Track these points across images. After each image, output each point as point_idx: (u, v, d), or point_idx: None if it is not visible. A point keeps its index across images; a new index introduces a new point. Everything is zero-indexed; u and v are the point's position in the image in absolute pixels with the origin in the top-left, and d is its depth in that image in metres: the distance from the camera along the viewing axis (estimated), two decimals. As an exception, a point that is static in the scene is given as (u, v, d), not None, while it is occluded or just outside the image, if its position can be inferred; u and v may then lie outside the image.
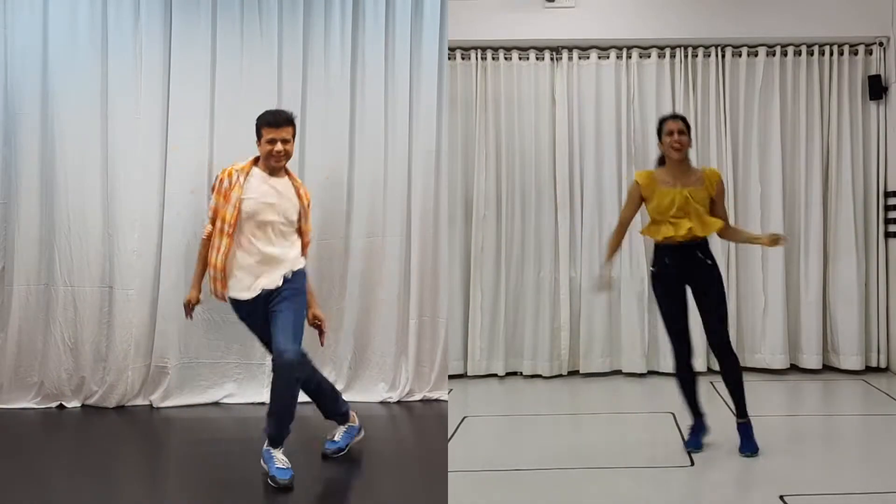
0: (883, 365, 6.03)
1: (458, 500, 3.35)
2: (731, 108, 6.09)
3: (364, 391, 5.23)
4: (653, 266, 4.01)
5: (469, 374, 6.05)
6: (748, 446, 3.90)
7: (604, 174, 6.09)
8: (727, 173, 6.02)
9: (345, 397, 5.16)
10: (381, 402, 5.19)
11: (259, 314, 3.66)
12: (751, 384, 5.69)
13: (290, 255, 3.69)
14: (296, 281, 3.67)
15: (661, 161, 4.02)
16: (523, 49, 6.15)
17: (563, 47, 6.12)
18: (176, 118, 4.94)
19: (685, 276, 3.94)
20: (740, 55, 6.10)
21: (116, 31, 4.91)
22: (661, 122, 3.98)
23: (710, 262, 3.92)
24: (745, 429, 3.95)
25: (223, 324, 4.96)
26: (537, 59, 6.15)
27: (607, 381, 5.93)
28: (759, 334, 6.04)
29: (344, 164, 5.21)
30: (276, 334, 3.53)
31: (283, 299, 3.60)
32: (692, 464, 3.84)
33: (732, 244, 6.02)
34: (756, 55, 6.08)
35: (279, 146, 3.60)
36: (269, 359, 4.91)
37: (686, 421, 4.24)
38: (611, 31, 6.06)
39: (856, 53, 6.08)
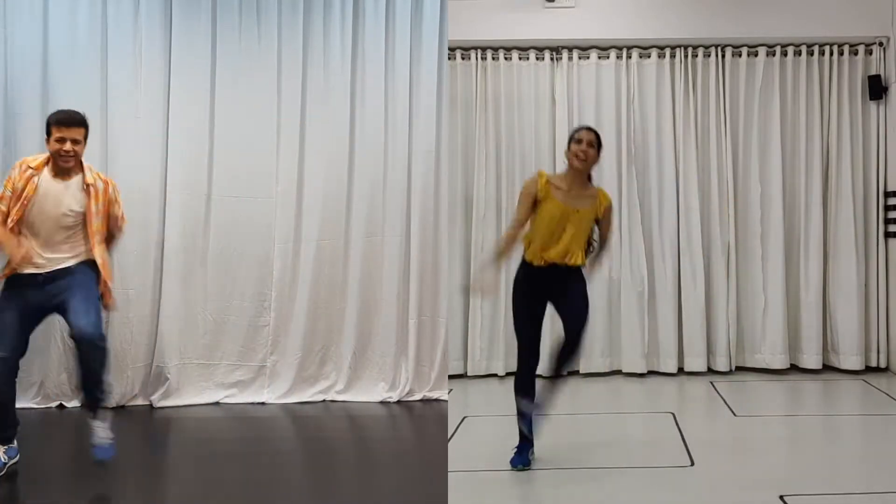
0: (883, 365, 6.02)
1: (458, 500, 3.35)
2: (731, 108, 6.09)
3: (364, 391, 5.23)
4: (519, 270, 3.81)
5: (469, 374, 6.05)
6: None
7: (603, 174, 6.05)
8: (727, 173, 6.02)
9: (345, 397, 5.21)
10: (381, 402, 5.19)
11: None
12: (751, 384, 5.76)
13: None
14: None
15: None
16: (523, 49, 6.14)
17: (563, 47, 6.12)
18: (176, 118, 4.93)
19: (546, 293, 3.74)
20: (740, 55, 6.09)
21: (116, 31, 4.91)
22: (575, 130, 3.79)
23: (575, 275, 3.72)
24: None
25: (223, 325, 4.96)
26: (537, 59, 6.15)
27: (607, 381, 5.92)
28: (759, 334, 6.04)
29: (344, 165, 5.21)
30: None
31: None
32: (692, 464, 3.84)
33: (732, 244, 6.03)
34: (756, 55, 6.08)
35: (68, 145, 3.47)
36: (270, 359, 4.95)
37: (686, 421, 4.24)
38: (611, 31, 6.06)
39: (856, 53, 6.08)
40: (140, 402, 4.95)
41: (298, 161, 5.13)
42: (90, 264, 3.60)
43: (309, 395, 5.15)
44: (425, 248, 5.33)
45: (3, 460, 3.59)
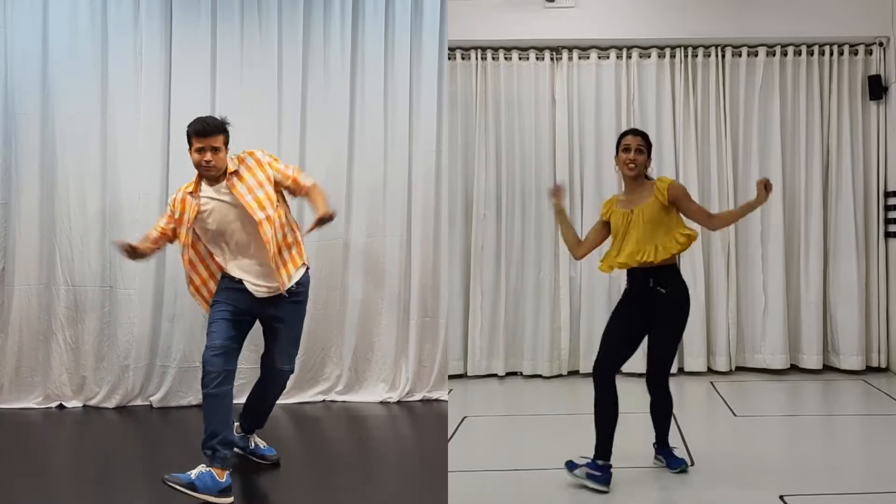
0: (883, 365, 6.03)
1: (458, 500, 3.35)
2: (731, 108, 6.09)
3: (364, 391, 5.24)
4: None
5: (469, 374, 6.05)
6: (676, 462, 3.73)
7: (604, 174, 6.08)
8: (727, 173, 6.03)
9: (345, 397, 5.22)
10: (382, 402, 5.20)
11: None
12: (751, 384, 5.76)
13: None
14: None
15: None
16: (523, 49, 6.15)
17: (563, 47, 6.12)
18: (176, 118, 4.94)
19: (637, 307, 3.60)
20: (740, 55, 6.10)
21: (116, 31, 4.91)
22: (621, 136, 3.69)
23: (664, 290, 3.55)
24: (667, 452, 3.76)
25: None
26: (537, 59, 6.15)
27: (607, 381, 5.92)
28: (759, 334, 6.04)
29: (344, 165, 5.21)
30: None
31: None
32: (692, 464, 3.84)
33: (732, 243, 6.03)
34: (756, 55, 6.08)
35: (208, 155, 3.44)
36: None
37: (686, 421, 4.24)
38: (611, 31, 6.06)
39: (856, 53, 6.08)
40: (140, 402, 4.95)
41: (298, 161, 5.12)
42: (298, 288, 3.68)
43: (309, 395, 5.15)
44: (426, 248, 5.33)
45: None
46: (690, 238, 3.60)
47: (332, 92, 5.19)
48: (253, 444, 3.91)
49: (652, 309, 3.56)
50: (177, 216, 3.59)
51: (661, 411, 3.73)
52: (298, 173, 3.70)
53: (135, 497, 3.60)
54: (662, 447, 3.79)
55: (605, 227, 3.75)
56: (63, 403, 4.88)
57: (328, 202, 3.68)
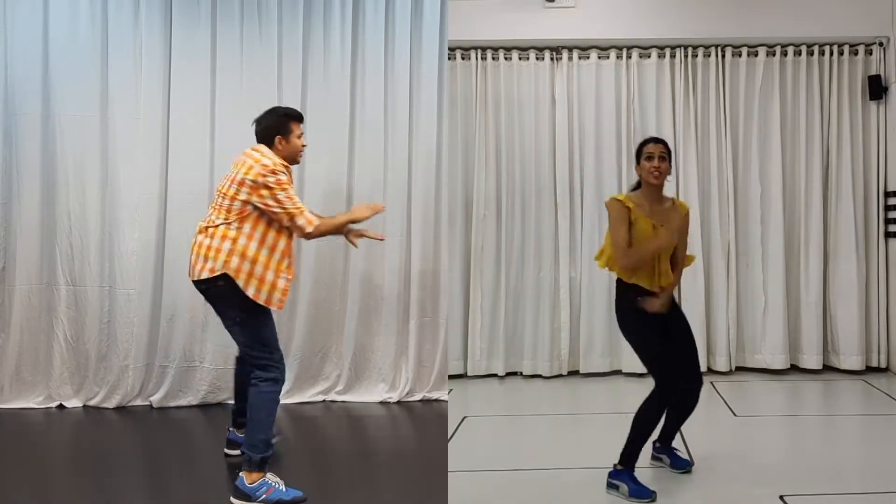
0: (883, 365, 6.03)
1: (458, 500, 3.35)
2: (731, 108, 6.09)
3: (364, 391, 5.24)
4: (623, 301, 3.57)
5: (469, 374, 6.05)
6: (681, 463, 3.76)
7: (604, 174, 6.08)
8: (727, 173, 6.03)
9: (345, 397, 5.23)
10: (381, 402, 5.20)
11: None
12: (751, 384, 5.76)
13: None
14: None
15: (637, 185, 3.68)
16: (523, 49, 6.15)
17: (563, 47, 6.12)
18: (176, 118, 4.94)
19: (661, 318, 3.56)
20: (740, 55, 6.10)
21: (116, 31, 4.91)
22: (642, 144, 3.64)
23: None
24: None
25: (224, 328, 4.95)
26: (537, 59, 6.15)
27: (607, 381, 5.93)
28: (759, 334, 6.04)
29: (344, 165, 5.21)
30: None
31: None
32: (692, 464, 3.84)
33: (732, 243, 6.03)
34: (756, 55, 6.08)
35: (304, 139, 3.60)
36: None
37: (688, 420, 4.21)
38: (611, 31, 6.06)
39: (856, 53, 6.08)
40: (140, 402, 4.95)
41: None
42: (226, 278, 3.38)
43: (309, 395, 5.15)
44: (426, 249, 5.33)
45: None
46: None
47: (332, 92, 5.19)
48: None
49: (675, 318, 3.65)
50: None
51: (680, 410, 3.74)
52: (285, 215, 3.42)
53: (135, 497, 3.60)
54: (666, 446, 3.79)
55: (629, 222, 3.54)
56: (63, 403, 4.88)
57: (349, 215, 3.63)
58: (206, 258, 3.39)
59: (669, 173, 3.60)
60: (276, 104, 5.04)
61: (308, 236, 3.46)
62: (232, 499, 3.31)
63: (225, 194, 3.43)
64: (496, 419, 5.08)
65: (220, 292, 3.40)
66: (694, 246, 5.97)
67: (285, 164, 3.47)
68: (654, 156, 3.54)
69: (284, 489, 3.34)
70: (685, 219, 3.65)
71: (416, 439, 4.72)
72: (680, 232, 3.60)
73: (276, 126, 3.55)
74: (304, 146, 3.61)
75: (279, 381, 3.42)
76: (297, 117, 3.60)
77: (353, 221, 3.59)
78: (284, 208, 3.35)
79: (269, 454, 3.37)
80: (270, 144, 3.53)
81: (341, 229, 3.59)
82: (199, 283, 3.45)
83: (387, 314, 5.27)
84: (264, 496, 3.29)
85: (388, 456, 4.21)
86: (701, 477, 3.70)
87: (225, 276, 3.35)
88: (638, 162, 3.63)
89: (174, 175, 4.93)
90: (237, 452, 3.79)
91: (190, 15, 4.97)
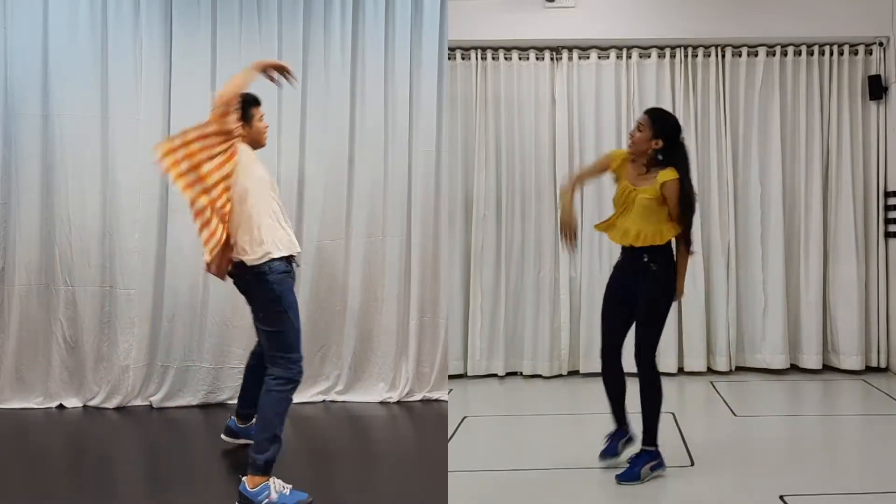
0: (883, 365, 6.03)
1: (458, 500, 3.35)
2: (731, 108, 6.09)
3: (364, 391, 5.24)
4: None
5: (469, 374, 6.05)
6: (629, 475, 3.59)
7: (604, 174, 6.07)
8: (727, 173, 6.03)
9: (345, 397, 5.22)
10: (381, 402, 5.20)
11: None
12: (751, 384, 5.76)
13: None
14: None
15: None
16: (523, 49, 6.14)
17: (563, 47, 6.12)
18: (176, 118, 4.94)
19: (627, 281, 3.67)
20: (740, 55, 6.09)
21: (116, 31, 4.91)
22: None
23: (653, 266, 3.59)
24: (647, 456, 3.64)
25: (224, 325, 4.96)
26: (537, 59, 6.15)
27: (607, 380, 5.92)
28: (759, 334, 6.04)
29: (344, 165, 5.21)
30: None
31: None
32: (692, 464, 3.85)
33: (732, 244, 6.03)
34: (756, 55, 6.08)
35: (265, 121, 3.60)
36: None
37: (686, 421, 4.24)
38: (611, 31, 6.06)
39: (856, 53, 6.08)
40: (140, 402, 4.95)
41: (298, 161, 5.13)
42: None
43: (309, 395, 5.15)
44: (426, 248, 5.33)
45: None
46: (674, 236, 3.64)
47: (332, 92, 5.19)
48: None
49: (637, 281, 3.62)
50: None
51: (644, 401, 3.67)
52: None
53: (135, 497, 3.60)
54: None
55: (605, 171, 3.80)
56: (63, 403, 4.88)
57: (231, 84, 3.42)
58: None
59: (648, 146, 3.60)
60: (275, 104, 5.09)
61: (216, 113, 3.31)
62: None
63: None
64: (496, 419, 5.08)
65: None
66: (694, 246, 5.97)
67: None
68: (635, 124, 3.69)
69: (289, 492, 3.30)
70: (661, 187, 3.56)
71: (416, 439, 4.72)
72: (668, 200, 3.57)
73: (242, 113, 3.50)
74: (266, 127, 3.60)
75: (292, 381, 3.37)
76: (255, 101, 3.56)
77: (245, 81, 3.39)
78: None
79: (272, 458, 3.32)
80: None
81: (241, 87, 3.38)
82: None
83: (387, 314, 5.27)
84: (266, 501, 3.26)
85: (388, 456, 4.21)
86: (701, 477, 3.70)
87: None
88: None
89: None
90: (231, 440, 3.92)
91: (190, 15, 4.97)
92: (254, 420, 3.89)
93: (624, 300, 3.68)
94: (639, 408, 3.67)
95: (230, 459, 3.97)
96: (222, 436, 4.02)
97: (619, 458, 3.75)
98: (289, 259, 3.42)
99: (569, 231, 3.67)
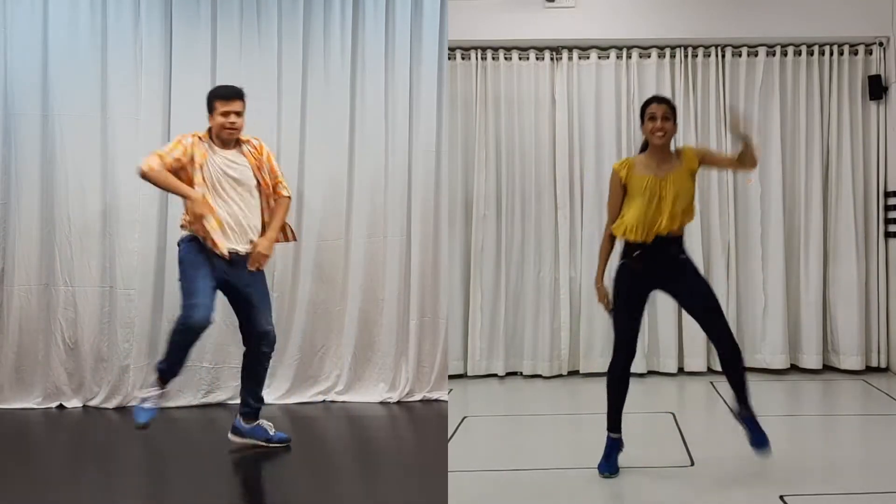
0: (883, 365, 6.02)
1: (458, 500, 3.35)
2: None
3: (364, 391, 5.23)
4: (623, 257, 3.67)
5: (469, 374, 6.05)
6: (765, 440, 3.60)
7: (604, 174, 6.05)
8: (727, 173, 6.02)
9: (345, 397, 5.22)
10: (381, 402, 5.20)
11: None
12: (751, 384, 5.72)
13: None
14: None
15: (644, 147, 3.73)
16: (523, 49, 6.14)
17: (563, 47, 6.12)
18: (176, 118, 4.94)
19: (653, 277, 3.64)
20: (740, 55, 6.09)
21: (116, 30, 4.91)
22: (645, 104, 3.69)
23: (683, 256, 3.63)
24: (754, 421, 3.65)
25: (224, 326, 4.95)
26: (537, 59, 6.15)
27: (607, 381, 5.91)
28: (759, 334, 6.04)
29: (344, 165, 5.21)
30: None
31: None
32: (692, 464, 3.85)
33: (732, 243, 6.03)
34: (756, 55, 6.08)
35: (232, 118, 3.78)
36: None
37: (686, 421, 4.23)
38: (611, 31, 6.05)
39: (856, 53, 6.08)
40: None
41: (298, 161, 5.13)
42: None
43: (309, 395, 5.15)
44: (426, 248, 5.33)
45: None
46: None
47: (332, 92, 5.19)
48: (272, 431, 4.03)
49: (675, 274, 3.62)
50: (187, 158, 3.75)
51: (733, 364, 3.72)
52: (282, 179, 3.98)
53: (135, 497, 3.60)
54: (745, 409, 3.68)
55: (623, 191, 3.69)
56: (63, 403, 4.88)
57: (279, 229, 3.95)
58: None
59: (675, 132, 3.66)
60: (275, 104, 5.11)
61: (141, 173, 3.74)
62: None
63: None
64: (496, 419, 5.08)
65: None
66: (694, 245, 5.98)
67: (203, 136, 3.82)
68: (656, 116, 3.60)
69: (150, 408, 3.74)
70: (697, 155, 3.66)
71: (415, 439, 4.71)
72: (704, 161, 3.68)
73: (207, 105, 3.85)
74: (223, 123, 3.78)
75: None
76: (220, 95, 3.82)
77: (185, 197, 3.76)
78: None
79: (163, 368, 3.80)
80: None
81: (173, 190, 3.80)
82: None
83: (387, 314, 5.27)
84: (143, 397, 3.79)
85: (388, 456, 4.21)
86: (701, 477, 3.69)
87: None
88: (642, 122, 3.67)
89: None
90: (239, 440, 4.01)
91: (190, 15, 4.97)
92: (259, 419, 4.02)
93: (640, 305, 3.69)
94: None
95: (230, 459, 3.97)
96: (230, 435, 4.04)
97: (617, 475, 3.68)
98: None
99: (606, 301, 3.71)
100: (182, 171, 3.74)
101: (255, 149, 3.89)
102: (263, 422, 4.05)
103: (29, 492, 3.46)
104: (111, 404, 4.88)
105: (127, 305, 4.91)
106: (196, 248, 3.75)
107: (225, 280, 3.79)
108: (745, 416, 3.66)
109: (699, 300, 3.66)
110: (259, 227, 3.88)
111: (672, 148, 3.71)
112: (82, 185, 4.90)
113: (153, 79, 4.93)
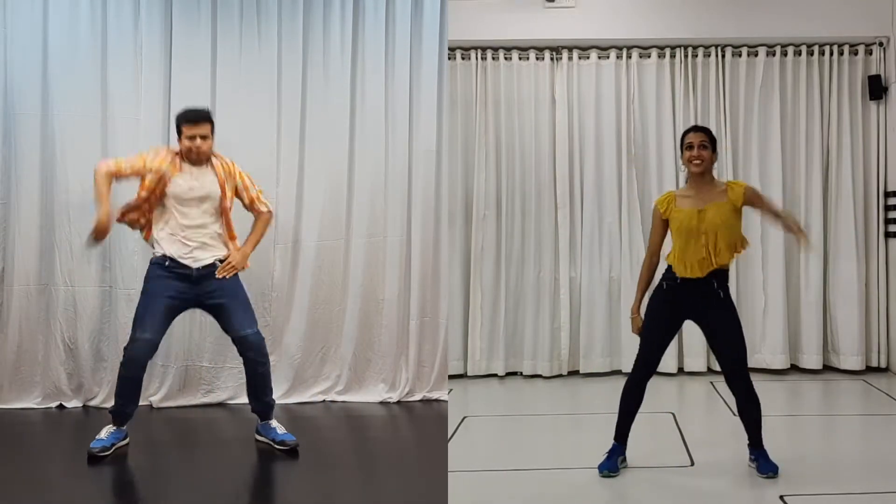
0: (883, 365, 6.03)
1: (458, 500, 3.35)
2: (731, 108, 6.09)
3: (364, 391, 5.23)
4: (663, 278, 3.74)
5: (469, 374, 6.06)
6: (772, 467, 3.62)
7: (604, 174, 6.09)
8: (727, 173, 6.03)
9: (345, 397, 5.21)
10: (381, 402, 5.19)
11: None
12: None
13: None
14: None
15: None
16: (523, 49, 6.15)
17: (563, 47, 6.12)
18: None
19: (689, 308, 3.69)
20: (740, 55, 6.10)
21: (116, 31, 4.91)
22: (684, 133, 3.78)
23: (722, 293, 3.65)
24: (763, 454, 3.69)
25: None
26: (537, 59, 6.15)
27: (607, 381, 5.92)
28: (759, 334, 6.04)
29: (344, 165, 5.21)
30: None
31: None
32: (692, 464, 3.85)
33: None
34: (756, 55, 6.09)
35: (198, 142, 3.83)
36: (270, 360, 4.92)
37: (686, 421, 4.24)
38: (611, 31, 6.06)
39: (856, 53, 6.09)
40: (140, 402, 4.92)
41: (298, 161, 5.13)
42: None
43: (309, 395, 5.15)
44: (426, 249, 5.33)
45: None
46: (745, 248, 3.78)
47: (333, 92, 5.18)
48: (281, 432, 4.08)
49: (708, 309, 3.63)
50: (146, 170, 3.85)
51: (749, 412, 3.69)
52: (258, 195, 4.10)
53: (135, 497, 3.60)
54: (756, 448, 3.71)
55: (664, 225, 3.75)
56: (63, 403, 4.88)
57: (256, 243, 4.08)
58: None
59: (715, 160, 3.70)
60: (275, 104, 5.11)
61: (94, 170, 3.87)
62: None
63: None
64: (496, 419, 5.08)
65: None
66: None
67: (177, 154, 3.90)
68: (693, 145, 3.64)
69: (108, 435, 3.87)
70: (744, 194, 3.69)
71: (416, 439, 4.71)
72: (751, 203, 3.74)
73: (175, 127, 3.95)
74: (189, 146, 3.86)
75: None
76: (186, 118, 3.89)
77: (99, 202, 3.82)
78: None
79: (113, 410, 3.94)
80: None
81: (95, 197, 3.85)
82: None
83: (387, 314, 5.27)
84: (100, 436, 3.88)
85: (388, 456, 4.21)
86: (701, 477, 3.69)
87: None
88: (682, 152, 3.73)
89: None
90: (261, 438, 4.12)
91: (190, 15, 4.96)
92: (272, 418, 4.14)
93: (672, 329, 3.76)
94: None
95: (230, 459, 3.97)
96: (255, 436, 4.17)
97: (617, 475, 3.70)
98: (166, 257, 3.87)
99: (640, 332, 3.77)
100: (158, 181, 3.84)
101: (226, 165, 3.98)
102: (273, 422, 4.13)
103: (29, 492, 3.46)
104: (111, 404, 4.87)
105: (127, 305, 4.89)
106: (155, 272, 3.86)
107: (186, 299, 3.89)
108: (756, 453, 3.70)
109: (728, 350, 3.66)
110: (222, 235, 3.96)
111: (717, 175, 3.77)
112: (82, 185, 4.87)
113: (153, 79, 4.93)
